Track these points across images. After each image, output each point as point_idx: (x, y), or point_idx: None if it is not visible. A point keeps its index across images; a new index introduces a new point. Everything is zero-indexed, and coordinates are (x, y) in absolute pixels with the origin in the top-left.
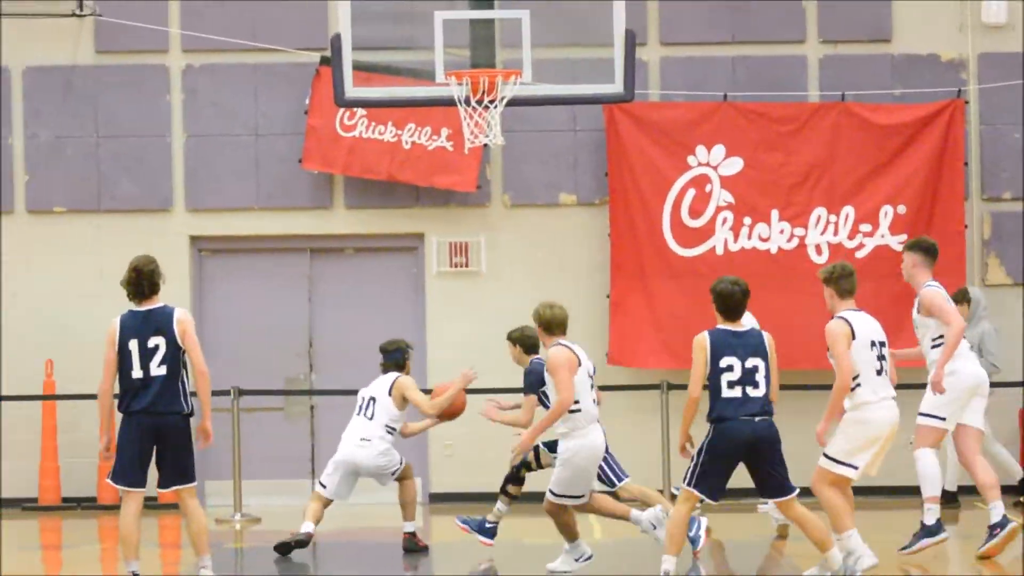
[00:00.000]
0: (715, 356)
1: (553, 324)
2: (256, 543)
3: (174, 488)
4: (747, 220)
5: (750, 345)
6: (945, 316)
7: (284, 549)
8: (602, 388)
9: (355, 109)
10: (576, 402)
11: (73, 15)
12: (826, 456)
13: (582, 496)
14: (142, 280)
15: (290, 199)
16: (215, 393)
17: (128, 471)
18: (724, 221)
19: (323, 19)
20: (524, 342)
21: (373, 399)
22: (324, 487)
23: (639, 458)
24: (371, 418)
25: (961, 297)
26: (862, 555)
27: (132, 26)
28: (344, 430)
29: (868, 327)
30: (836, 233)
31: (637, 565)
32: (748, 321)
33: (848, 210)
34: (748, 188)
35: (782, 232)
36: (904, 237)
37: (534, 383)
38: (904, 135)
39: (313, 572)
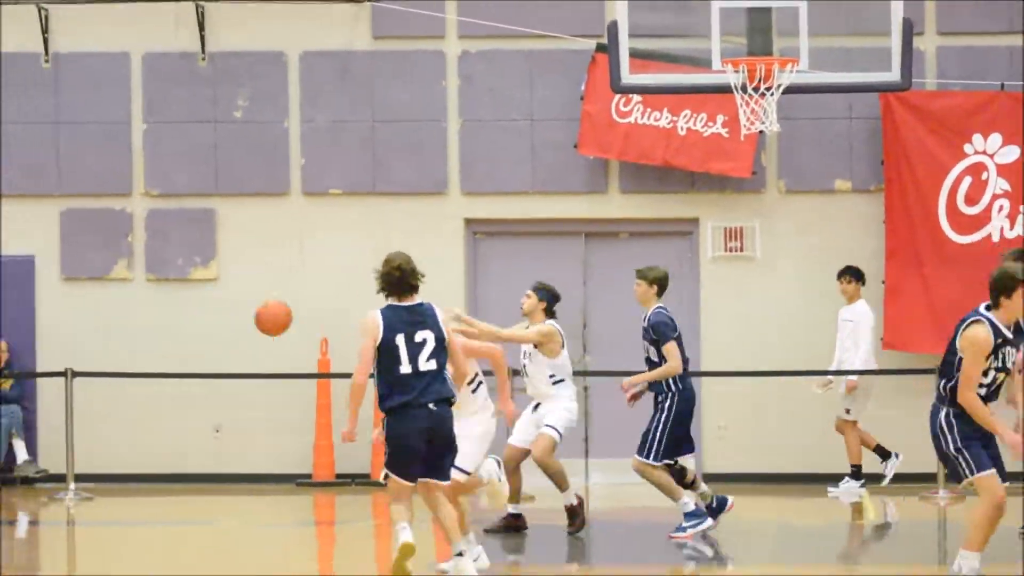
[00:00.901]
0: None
1: None
2: (531, 521)
3: (431, 481)
4: (1023, 208)
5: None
6: None
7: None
8: (877, 372)
9: (631, 95)
10: (476, 374)
11: (350, 1)
12: None
13: None
14: (406, 278)
15: (565, 184)
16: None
17: (399, 463)
18: (1000, 209)
19: (599, 6)
20: (663, 283)
21: None
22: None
23: (911, 441)
24: None
25: None
26: None
27: (409, 12)
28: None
29: None
30: None
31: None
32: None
33: None
34: None
35: None
36: None
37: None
38: None
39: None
